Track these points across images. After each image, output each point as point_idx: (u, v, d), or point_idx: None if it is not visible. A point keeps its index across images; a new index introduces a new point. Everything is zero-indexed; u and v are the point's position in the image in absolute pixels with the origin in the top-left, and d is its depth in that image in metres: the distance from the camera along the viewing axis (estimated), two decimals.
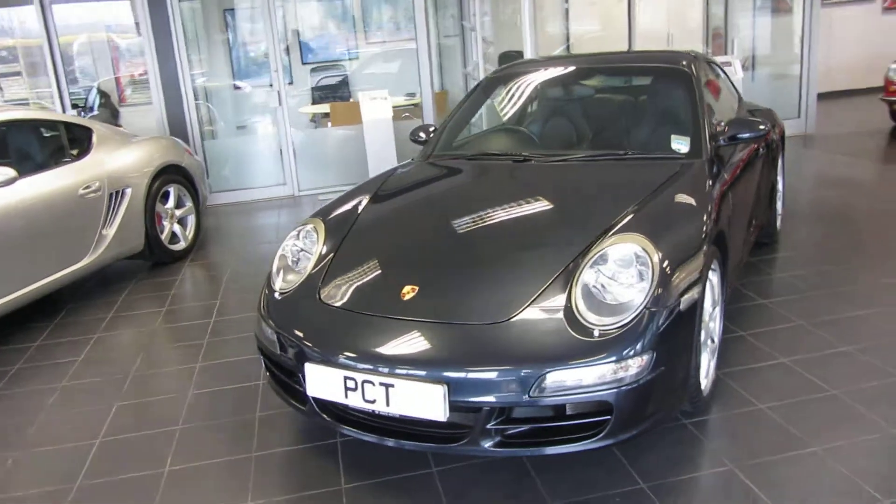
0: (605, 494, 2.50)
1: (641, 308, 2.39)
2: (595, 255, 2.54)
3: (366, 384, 2.41)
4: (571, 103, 3.98)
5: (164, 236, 5.57)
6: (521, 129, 3.98)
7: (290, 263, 3.07)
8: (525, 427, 2.40)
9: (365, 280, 2.81)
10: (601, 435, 2.36)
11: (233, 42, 10.15)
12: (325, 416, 2.63)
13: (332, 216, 3.24)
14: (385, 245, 3.03)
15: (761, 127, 3.46)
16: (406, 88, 9.07)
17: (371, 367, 2.42)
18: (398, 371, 2.38)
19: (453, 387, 2.32)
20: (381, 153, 7.52)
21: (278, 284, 2.97)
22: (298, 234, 3.16)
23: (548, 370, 2.29)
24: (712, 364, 3.01)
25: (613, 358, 2.31)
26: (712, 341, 3.00)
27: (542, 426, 2.40)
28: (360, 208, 3.28)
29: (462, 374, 2.32)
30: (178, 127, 7.42)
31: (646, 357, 2.35)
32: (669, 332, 2.42)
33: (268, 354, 2.89)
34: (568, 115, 3.88)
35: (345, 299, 2.72)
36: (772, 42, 10.06)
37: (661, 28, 10.71)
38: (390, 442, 2.51)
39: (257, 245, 6.11)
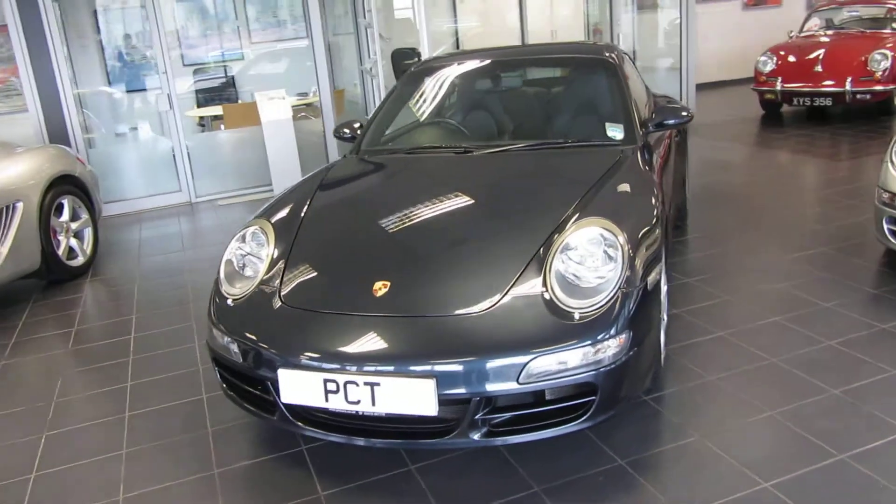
0: (588, 475, 2.55)
1: (616, 289, 2.45)
2: (563, 240, 2.58)
3: (348, 385, 2.33)
4: (500, 95, 4.02)
5: (61, 252, 5.15)
6: (452, 122, 3.97)
7: (236, 268, 2.92)
8: (509, 415, 2.40)
9: (329, 279, 2.72)
10: (586, 416, 2.40)
11: (106, 44, 9.54)
12: (299, 423, 2.52)
13: (277, 216, 3.11)
14: (341, 242, 2.94)
15: (684, 114, 3.65)
16: (296, 88, 8.86)
17: (354, 367, 2.34)
18: (384, 369, 2.32)
19: (442, 380, 2.28)
20: (283, 154, 7.32)
21: (229, 290, 2.82)
22: (244, 237, 3.02)
23: (535, 356, 2.30)
24: (663, 340, 3.13)
25: (595, 339, 2.35)
26: (663, 319, 3.12)
27: (526, 413, 2.41)
28: (306, 207, 3.17)
29: (451, 367, 2.30)
30: (58, 135, 6.88)
31: (623, 336, 2.41)
32: (641, 311, 2.50)
33: (225, 365, 2.74)
34: (498, 106, 3.92)
35: (311, 300, 2.62)
36: (650, 36, 10.62)
37: (544, 25, 11.06)
38: (378, 443, 2.45)
39: (162, 255, 5.77)
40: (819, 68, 8.67)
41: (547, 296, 2.45)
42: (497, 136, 3.77)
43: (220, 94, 9.97)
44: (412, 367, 2.30)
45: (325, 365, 2.38)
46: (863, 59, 8.44)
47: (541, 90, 3.97)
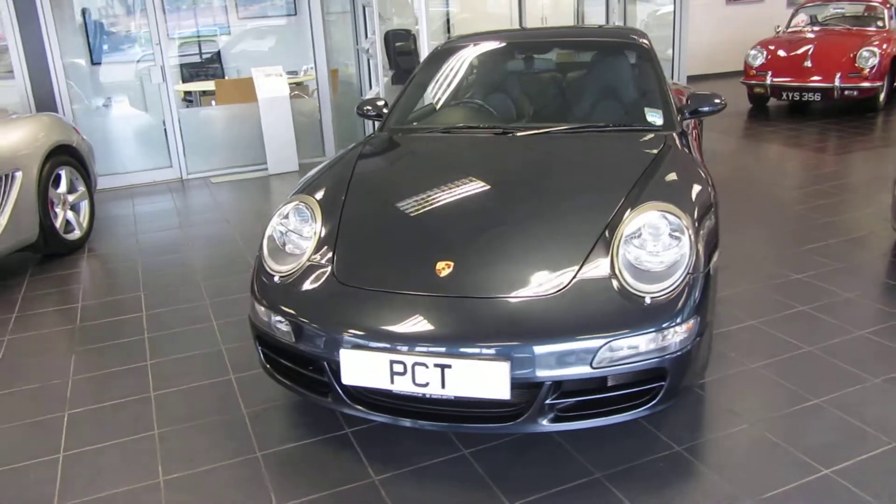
0: (646, 461, 2.52)
1: (685, 274, 2.42)
2: (628, 223, 2.54)
3: (417, 367, 2.26)
4: (532, 77, 3.96)
5: (59, 225, 4.95)
6: (483, 103, 3.89)
7: (278, 245, 2.82)
8: (574, 400, 2.36)
9: (387, 258, 2.63)
10: (655, 402, 2.37)
11: (91, 12, 9.18)
12: (358, 406, 2.45)
13: (319, 192, 3.00)
14: (392, 220, 2.86)
15: (717, 101, 3.63)
16: (285, 66, 8.65)
17: (425, 348, 2.27)
18: (456, 351, 2.25)
19: (516, 363, 2.23)
20: (279, 132, 7.19)
21: (275, 267, 2.72)
22: (286, 214, 2.91)
23: (609, 340, 2.26)
24: None
25: (667, 324, 2.32)
26: None
27: (590, 399, 2.36)
28: (347, 183, 3.07)
29: (526, 350, 2.24)
30: (46, 104, 6.62)
31: (692, 322, 2.38)
32: (704, 296, 2.47)
33: (270, 344, 2.65)
34: (529, 88, 3.86)
35: (370, 280, 2.54)
36: (644, 27, 10.62)
37: (535, 11, 10.99)
38: (444, 427, 2.39)
39: (161, 232, 5.59)
40: (808, 63, 8.79)
41: (616, 280, 2.40)
42: (531, 118, 3.70)
43: (205, 69, 9.70)
44: (485, 350, 2.24)
45: (392, 346, 2.30)
46: (851, 55, 8.58)
47: (573, 73, 3.91)
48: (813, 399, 2.85)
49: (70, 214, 5.12)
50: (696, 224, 2.58)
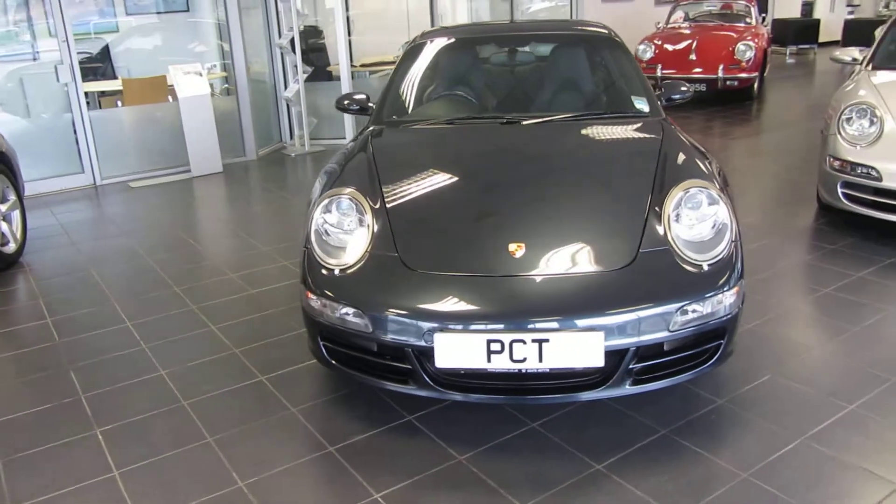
0: (700, 414, 2.76)
1: (729, 241, 2.67)
2: (671, 200, 2.75)
3: (515, 344, 2.36)
4: (518, 68, 4.11)
5: None
6: (476, 94, 3.99)
7: (325, 239, 2.81)
8: (647, 363, 2.54)
9: (453, 244, 2.69)
10: (715, 359, 2.61)
11: None
12: (445, 389, 2.51)
13: (354, 184, 2.99)
14: (443, 206, 2.91)
15: (684, 89, 3.95)
16: (192, 62, 8.30)
17: (522, 325, 2.37)
18: (552, 325, 2.37)
19: (608, 332, 2.38)
20: (201, 132, 6.94)
21: (331, 261, 2.71)
22: (327, 208, 2.89)
23: (684, 304, 2.46)
24: None
25: (725, 288, 2.55)
26: None
27: (664, 360, 2.56)
28: (377, 174, 3.08)
29: (616, 319, 2.39)
30: None
31: (741, 284, 2.64)
32: (741, 261, 2.73)
33: (334, 338, 2.65)
34: (515, 79, 4.01)
35: (446, 265, 2.59)
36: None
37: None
38: (542, 399, 2.50)
39: (101, 240, 5.25)
40: (693, 56, 9.55)
41: (672, 251, 2.61)
42: (524, 108, 3.86)
43: (94, 69, 9.09)
44: (580, 322, 2.38)
45: (490, 326, 2.38)
46: (730, 49, 9.41)
47: (555, 64, 4.09)
48: (815, 349, 3.21)
49: (3, 226, 4.71)
50: (725, 197, 2.84)
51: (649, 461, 2.51)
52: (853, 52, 5.72)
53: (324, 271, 2.71)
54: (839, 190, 4.52)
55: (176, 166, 7.08)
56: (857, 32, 14.84)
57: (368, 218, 2.81)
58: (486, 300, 2.46)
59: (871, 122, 4.48)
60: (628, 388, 2.51)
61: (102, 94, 7.95)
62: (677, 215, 2.73)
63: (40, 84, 7.10)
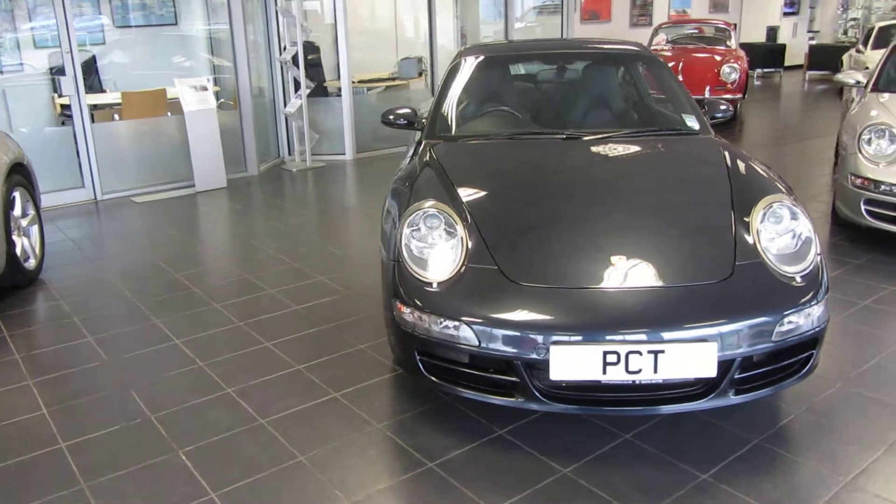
0: (786, 422, 2.82)
1: (815, 255, 2.75)
2: (756, 214, 2.82)
3: (631, 355, 2.39)
4: (567, 85, 4.16)
5: (19, 253, 4.38)
6: (527, 110, 4.04)
7: (415, 251, 2.79)
8: (750, 373, 2.58)
9: (553, 256, 2.71)
10: (807, 368, 2.67)
11: None
12: (561, 404, 2.51)
13: (437, 198, 2.98)
14: (529, 217, 2.93)
15: (723, 107, 4.07)
16: (171, 77, 8.18)
17: (639, 337, 2.40)
18: (670, 336, 2.40)
19: (721, 343, 2.42)
20: (206, 147, 6.85)
21: (426, 275, 2.70)
22: (416, 221, 2.87)
23: (784, 316, 2.52)
24: None
25: (819, 299, 2.63)
26: None
27: (760, 371, 2.61)
28: (453, 185, 3.09)
29: (730, 330, 2.44)
30: None
31: (825, 297, 2.71)
32: (826, 274, 2.81)
33: (444, 352, 2.64)
34: (564, 95, 4.06)
35: (550, 278, 2.61)
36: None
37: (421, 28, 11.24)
38: (644, 412, 2.53)
39: (120, 257, 5.11)
40: (680, 78, 9.80)
41: (765, 264, 2.67)
42: (577, 124, 3.91)
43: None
44: (695, 333, 2.41)
45: (608, 338, 2.40)
46: (716, 70, 9.70)
47: (600, 81, 4.17)
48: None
49: (25, 241, 4.55)
50: (802, 210, 2.93)
51: (751, 469, 2.56)
52: (857, 76, 5.97)
53: (419, 285, 2.69)
54: (862, 207, 4.68)
55: (179, 181, 6.95)
56: (820, 57, 15.49)
57: (460, 230, 2.81)
58: (600, 312, 2.48)
59: (891, 142, 4.67)
60: (733, 398, 2.55)
61: (94, 107, 7.76)
62: (764, 228, 2.80)
63: (33, 96, 6.92)
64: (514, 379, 2.54)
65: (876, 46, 11.46)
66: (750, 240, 2.75)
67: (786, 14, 17.76)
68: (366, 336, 3.68)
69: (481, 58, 4.23)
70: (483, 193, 3.10)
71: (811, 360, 2.68)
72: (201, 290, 4.39)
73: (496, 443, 2.75)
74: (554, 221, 2.90)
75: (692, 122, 3.84)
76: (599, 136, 3.64)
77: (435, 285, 2.67)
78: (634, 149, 3.55)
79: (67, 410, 3.07)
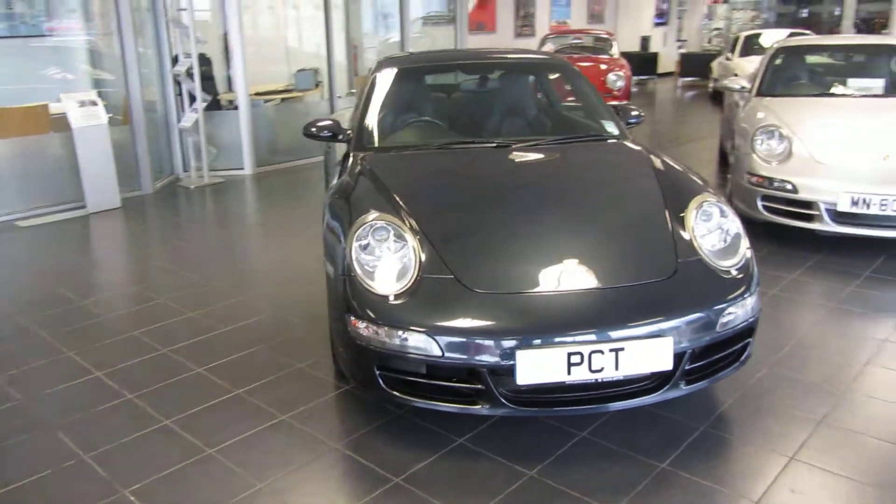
0: (724, 409, 2.98)
1: (745, 248, 2.92)
2: (689, 213, 2.97)
3: (594, 355, 2.45)
4: (487, 94, 4.22)
5: None
6: (448, 119, 4.06)
7: (366, 265, 2.75)
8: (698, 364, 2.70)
9: (507, 263, 2.73)
10: (744, 357, 2.83)
11: None
12: (526, 407, 2.54)
13: (380, 209, 2.95)
14: (475, 226, 2.94)
15: (634, 113, 4.27)
16: (45, 91, 7.66)
17: (600, 336, 2.46)
18: (628, 334, 2.48)
19: (675, 337, 2.53)
20: (98, 166, 6.47)
21: (381, 289, 2.66)
22: (364, 234, 2.82)
23: (726, 307, 2.67)
24: None
25: (752, 290, 2.79)
26: None
27: (708, 361, 2.73)
28: (393, 196, 3.07)
29: (681, 324, 2.55)
30: None
31: (758, 288, 2.89)
32: (755, 266, 2.98)
33: (403, 365, 2.61)
34: (489, 105, 4.12)
35: (506, 284, 2.63)
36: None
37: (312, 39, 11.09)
38: (603, 409, 2.60)
39: (13, 287, 4.71)
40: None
41: (704, 260, 2.81)
42: (504, 133, 3.98)
43: None
44: (652, 329, 2.51)
45: (571, 339, 2.45)
46: (602, 79, 10.14)
47: (522, 90, 4.26)
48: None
49: None
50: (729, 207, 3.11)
51: (704, 454, 2.68)
52: (741, 82, 6.41)
53: (374, 298, 2.65)
54: (759, 203, 5.03)
55: (68, 202, 6.50)
56: (690, 64, 16.54)
57: (410, 240, 2.79)
58: (561, 314, 2.53)
59: (780, 142, 5.04)
60: (684, 388, 2.67)
61: None
62: (699, 226, 2.95)
63: None
64: (477, 386, 2.54)
65: (743, 54, 12.39)
66: (687, 237, 2.89)
67: (656, 24, 18.86)
68: (301, 354, 3.58)
69: (403, 68, 4.23)
70: (424, 203, 3.09)
71: (748, 349, 2.84)
72: (113, 317, 4.13)
73: (459, 451, 2.75)
74: (499, 228, 2.93)
75: (611, 128, 3.99)
76: (528, 143, 3.72)
77: (392, 298, 2.64)
78: (564, 155, 3.66)
79: None
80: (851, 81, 5.91)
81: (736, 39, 13.07)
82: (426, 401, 2.64)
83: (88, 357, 3.62)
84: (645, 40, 18.30)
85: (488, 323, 2.51)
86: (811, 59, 6.71)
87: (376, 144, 3.81)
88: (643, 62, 16.62)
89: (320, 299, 3.92)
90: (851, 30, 16.72)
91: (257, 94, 8.52)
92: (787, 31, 13.56)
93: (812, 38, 7.74)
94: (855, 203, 4.56)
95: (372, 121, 3.93)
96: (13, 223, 6.21)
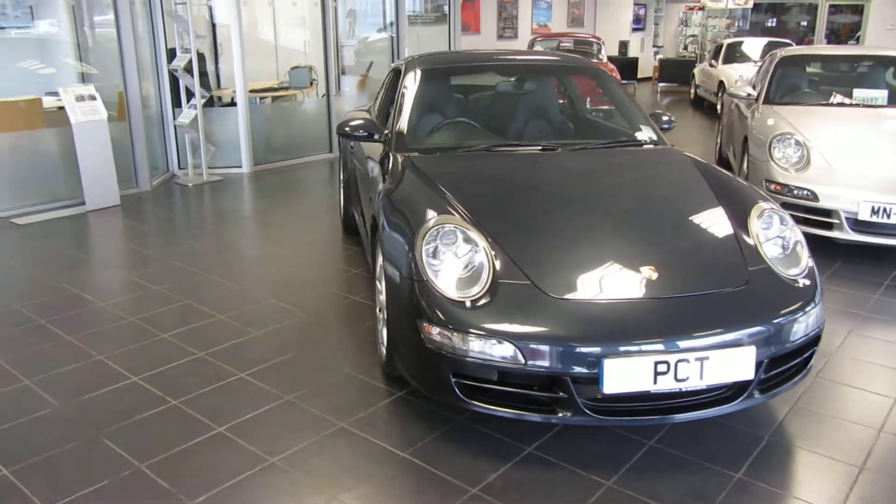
0: (789, 412, 3.00)
1: (808, 257, 2.94)
2: (752, 222, 2.98)
3: (680, 364, 2.43)
4: (524, 97, 4.18)
5: None
6: (489, 121, 4.02)
7: (438, 270, 2.70)
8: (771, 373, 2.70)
9: (585, 269, 2.70)
10: (810, 366, 2.84)
11: None
12: (608, 416, 2.51)
13: (450, 214, 2.90)
14: (546, 230, 2.91)
15: (665, 119, 4.29)
16: (26, 85, 7.40)
17: (687, 346, 2.44)
18: (713, 343, 2.47)
19: (758, 346, 2.53)
20: (97, 162, 6.29)
21: (456, 295, 2.61)
22: (433, 238, 2.77)
23: (799, 316, 2.68)
24: None
25: (818, 299, 2.80)
26: None
27: (779, 370, 2.73)
28: (452, 197, 3.02)
29: (761, 333, 2.55)
30: None
31: (822, 298, 2.90)
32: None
33: (481, 373, 2.56)
34: (527, 108, 4.09)
35: (587, 291, 2.60)
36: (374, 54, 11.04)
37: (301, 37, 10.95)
38: (688, 418, 2.57)
39: (28, 283, 4.53)
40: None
41: (771, 268, 2.81)
42: (548, 136, 3.95)
43: None
44: (736, 338, 2.50)
45: (659, 348, 2.43)
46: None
47: (554, 94, 4.23)
48: None
49: None
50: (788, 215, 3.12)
51: (775, 463, 2.69)
52: (748, 89, 6.49)
53: (448, 303, 2.60)
54: None
55: (66, 199, 6.29)
56: (669, 70, 16.77)
57: (482, 244, 2.74)
58: (648, 322, 2.50)
59: (797, 149, 5.11)
60: (758, 398, 2.67)
61: None
62: (762, 234, 2.96)
63: None
64: (558, 395, 2.51)
65: (726, 61, 12.58)
66: (752, 244, 2.90)
67: (634, 30, 19.07)
68: (344, 359, 3.51)
69: (437, 69, 4.18)
70: (485, 207, 3.05)
71: (812, 358, 2.86)
72: (141, 318, 3.99)
73: (530, 461, 2.71)
74: (567, 233, 2.90)
75: (650, 133, 3.99)
76: (574, 147, 3.70)
77: (468, 303, 2.59)
78: (613, 160, 3.64)
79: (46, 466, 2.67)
80: (857, 92, 6.03)
81: (719, 47, 13.28)
82: (507, 410, 2.58)
83: (120, 360, 3.49)
84: (623, 45, 18.49)
85: (574, 330, 2.48)
86: (812, 68, 6.83)
87: (421, 146, 3.74)
88: (624, 66, 16.74)
89: (351, 302, 3.85)
90: (823, 40, 17.14)
91: (252, 91, 8.36)
92: (766, 39, 13.86)
93: (814, 48, 7.90)
94: (875, 212, 4.64)
95: (412, 121, 3.87)
96: (9, 220, 5.98)
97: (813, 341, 2.81)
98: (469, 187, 3.26)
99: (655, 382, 2.44)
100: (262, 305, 4.21)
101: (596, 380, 2.46)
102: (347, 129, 3.90)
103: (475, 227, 2.81)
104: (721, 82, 11.96)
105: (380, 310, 3.37)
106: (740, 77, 11.33)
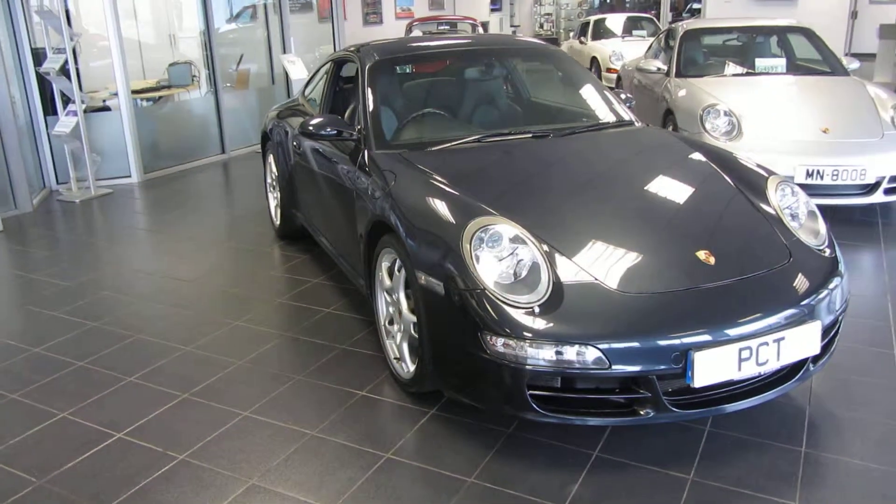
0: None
1: (828, 227, 2.99)
2: (771, 196, 2.99)
3: (761, 348, 2.39)
4: (489, 83, 3.99)
5: None
6: (461, 111, 3.79)
7: (499, 277, 2.50)
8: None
9: (642, 260, 2.58)
10: (834, 346, 2.86)
11: None
12: (691, 409, 2.43)
13: (478, 213, 2.69)
14: (579, 219, 2.79)
15: (624, 97, 4.27)
16: None
17: (765, 328, 2.40)
18: (787, 321, 2.44)
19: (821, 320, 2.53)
20: None
21: (519, 299, 2.42)
22: (480, 241, 2.55)
23: (842, 283, 2.71)
24: None
25: (843, 273, 2.82)
26: None
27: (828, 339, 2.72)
28: (470, 196, 2.82)
29: (820, 306, 2.56)
30: None
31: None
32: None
33: (557, 381, 2.40)
34: (498, 95, 3.91)
35: (650, 283, 2.49)
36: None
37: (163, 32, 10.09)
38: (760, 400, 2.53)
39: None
40: None
41: (801, 241, 2.83)
42: (521, 122, 3.80)
43: None
44: (803, 314, 2.49)
45: (744, 333, 2.36)
46: None
47: (525, 78, 4.07)
48: None
49: None
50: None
51: (835, 433, 2.72)
52: (657, 63, 6.67)
53: (514, 311, 2.40)
54: None
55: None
56: None
57: (531, 244, 2.56)
58: (727, 310, 2.43)
59: (727, 119, 5.30)
60: (812, 370, 2.67)
61: None
62: (785, 209, 2.97)
63: None
64: (642, 394, 2.39)
65: (595, 38, 13.01)
66: (777, 218, 2.91)
67: (492, 10, 19.31)
68: (354, 380, 3.21)
69: (400, 57, 3.90)
70: (513, 203, 2.86)
71: (839, 328, 2.89)
72: (102, 366, 3.46)
73: (602, 465, 2.58)
74: (606, 223, 2.79)
75: (624, 113, 3.94)
76: (565, 132, 3.58)
77: (536, 309, 2.40)
78: (609, 142, 3.56)
79: None
80: (759, 61, 6.35)
81: (586, 24, 13.69)
82: (591, 417, 2.43)
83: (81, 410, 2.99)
84: (484, 26, 18.68)
85: (660, 326, 2.36)
86: (710, 40, 7.13)
87: (405, 141, 3.47)
88: None
89: (325, 316, 3.60)
90: (669, 14, 18.15)
91: (134, 92, 7.58)
92: (625, 14, 14.47)
93: (715, 21, 8.22)
94: (810, 175, 4.90)
95: (387, 116, 3.59)
96: None
97: (842, 313, 2.86)
98: (482, 183, 3.05)
99: (740, 369, 2.38)
100: (227, 330, 3.78)
101: (677, 375, 2.36)
102: (311, 128, 3.55)
103: (518, 226, 2.62)
104: (594, 58, 12.33)
105: (391, 322, 3.11)
106: (613, 52, 11.76)
